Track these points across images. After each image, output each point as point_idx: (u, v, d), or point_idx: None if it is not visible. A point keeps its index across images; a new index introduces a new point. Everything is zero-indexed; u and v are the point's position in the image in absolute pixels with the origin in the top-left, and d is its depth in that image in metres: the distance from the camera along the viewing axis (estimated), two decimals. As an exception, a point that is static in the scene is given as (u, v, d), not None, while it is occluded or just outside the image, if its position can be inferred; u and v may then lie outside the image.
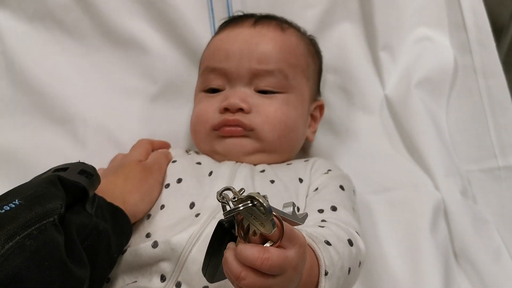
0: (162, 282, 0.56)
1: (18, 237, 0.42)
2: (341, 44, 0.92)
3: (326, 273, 0.51)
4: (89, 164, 0.56)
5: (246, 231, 0.42)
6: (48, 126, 0.89)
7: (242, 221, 0.42)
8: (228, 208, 0.42)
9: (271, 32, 0.76)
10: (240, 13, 0.87)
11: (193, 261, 0.56)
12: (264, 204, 0.40)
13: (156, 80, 0.92)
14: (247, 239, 0.42)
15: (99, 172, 0.59)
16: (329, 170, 0.73)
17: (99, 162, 0.85)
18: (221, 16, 0.92)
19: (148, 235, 0.60)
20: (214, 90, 0.76)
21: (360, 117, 0.90)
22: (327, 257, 0.52)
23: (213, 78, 0.75)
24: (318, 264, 0.51)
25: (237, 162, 0.72)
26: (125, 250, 0.59)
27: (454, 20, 0.89)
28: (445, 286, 0.70)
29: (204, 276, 0.48)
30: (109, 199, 0.57)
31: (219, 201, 0.43)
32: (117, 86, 0.92)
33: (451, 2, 0.90)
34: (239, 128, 0.71)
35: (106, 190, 0.57)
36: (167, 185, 0.67)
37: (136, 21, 0.92)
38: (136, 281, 0.57)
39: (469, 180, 0.82)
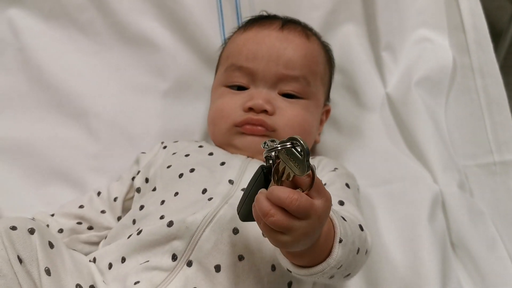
0: (174, 261, 0.59)
1: None
2: (344, 44, 0.96)
3: (340, 241, 0.53)
4: None
5: (280, 176, 0.46)
6: (63, 120, 0.92)
7: (279, 165, 0.46)
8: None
9: (297, 38, 0.79)
10: (265, 13, 0.89)
11: (206, 240, 0.59)
12: (304, 145, 0.44)
13: (166, 77, 0.96)
14: (279, 184, 0.47)
15: None
16: (336, 168, 0.76)
17: (112, 154, 0.90)
18: (229, 16, 0.96)
19: (162, 217, 0.63)
20: (238, 87, 0.78)
21: (362, 114, 0.94)
22: (342, 227, 0.54)
23: (238, 75, 0.78)
24: (334, 231, 0.54)
25: (247, 157, 0.74)
26: (141, 231, 0.62)
27: (453, 21, 0.93)
28: (443, 274, 0.73)
29: (238, 214, 0.52)
30: None
31: (263, 147, 0.47)
32: (129, 83, 0.96)
33: (451, 5, 0.94)
34: (262, 128, 0.74)
35: None
36: (181, 175, 0.69)
37: (147, 21, 0.96)
38: (148, 261, 0.60)
39: (466, 175, 0.86)
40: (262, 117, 0.74)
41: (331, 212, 0.54)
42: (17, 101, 0.94)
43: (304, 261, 0.53)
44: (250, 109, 0.75)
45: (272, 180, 0.48)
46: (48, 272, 0.54)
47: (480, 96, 0.89)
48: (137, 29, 0.96)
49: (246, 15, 0.94)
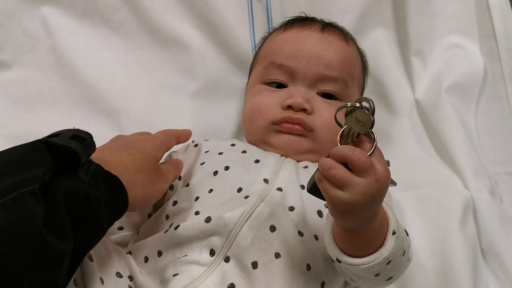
0: (211, 256, 0.59)
1: None
2: (374, 49, 0.96)
3: (393, 233, 0.54)
4: (84, 130, 0.52)
5: (345, 140, 0.51)
6: (94, 117, 0.94)
7: (344, 130, 0.51)
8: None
9: (338, 41, 0.79)
10: (303, 15, 0.90)
11: (244, 237, 0.59)
12: (371, 101, 0.50)
13: (196, 77, 0.97)
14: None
15: (113, 142, 0.61)
16: None
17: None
18: (260, 19, 0.96)
19: (197, 213, 0.64)
20: (276, 84, 0.78)
21: (391, 119, 0.94)
22: (396, 220, 0.56)
23: (278, 73, 0.77)
24: (388, 223, 0.55)
25: (281, 156, 0.74)
26: (178, 226, 0.62)
27: (484, 28, 0.93)
28: (473, 280, 0.72)
29: (307, 184, 0.54)
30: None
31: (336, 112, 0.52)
32: (159, 82, 0.97)
33: (482, 12, 0.94)
34: (300, 127, 0.73)
35: (115, 170, 0.52)
36: (215, 172, 0.70)
37: (179, 21, 0.97)
38: (186, 255, 0.60)
39: (495, 182, 0.85)
40: (300, 115, 0.73)
41: (385, 205, 0.55)
42: (49, 98, 0.96)
43: (356, 247, 0.54)
44: (289, 107, 0.74)
45: (338, 143, 0.51)
46: (90, 258, 0.55)
47: (511, 103, 0.89)
48: (169, 30, 0.97)
49: (277, 18, 0.95)
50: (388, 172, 0.50)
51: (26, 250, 0.39)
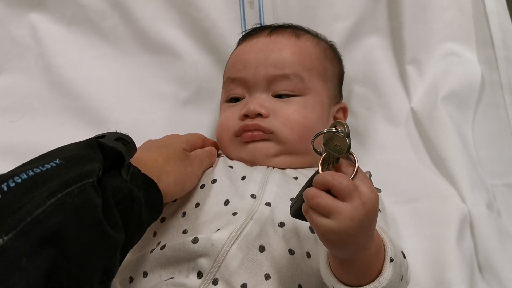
0: (199, 278, 0.57)
1: (60, 194, 0.41)
2: (369, 56, 0.94)
3: (391, 260, 0.53)
4: (125, 134, 0.56)
5: (327, 167, 0.50)
6: (83, 126, 0.92)
7: (324, 156, 0.50)
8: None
9: (285, 39, 0.78)
10: (258, 25, 0.89)
11: (232, 258, 0.57)
12: (344, 124, 0.49)
13: (187, 86, 0.95)
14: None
15: (144, 144, 0.64)
16: None
17: (131, 163, 0.89)
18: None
19: (185, 232, 0.62)
20: (235, 100, 0.78)
21: (386, 128, 0.92)
22: (393, 246, 0.54)
23: (233, 88, 0.78)
24: (384, 250, 0.53)
25: (268, 167, 0.73)
26: (164, 246, 0.60)
27: (481, 36, 0.91)
28: (470, 297, 0.70)
29: (290, 210, 0.54)
30: (145, 172, 0.56)
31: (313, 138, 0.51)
32: (149, 90, 0.95)
33: (479, 19, 0.92)
34: (259, 132, 0.73)
35: (147, 164, 0.57)
36: (202, 186, 0.68)
37: (170, 29, 0.96)
38: (172, 277, 0.58)
39: (493, 195, 0.83)
40: (257, 121, 0.73)
41: (381, 231, 0.54)
42: (37, 106, 0.94)
43: (353, 277, 0.52)
44: (246, 116, 0.74)
45: (320, 171, 0.50)
46: None
47: (509, 113, 0.87)
48: (159, 37, 0.95)
49: (270, 25, 0.93)
50: (375, 194, 0.49)
51: (90, 235, 0.43)
